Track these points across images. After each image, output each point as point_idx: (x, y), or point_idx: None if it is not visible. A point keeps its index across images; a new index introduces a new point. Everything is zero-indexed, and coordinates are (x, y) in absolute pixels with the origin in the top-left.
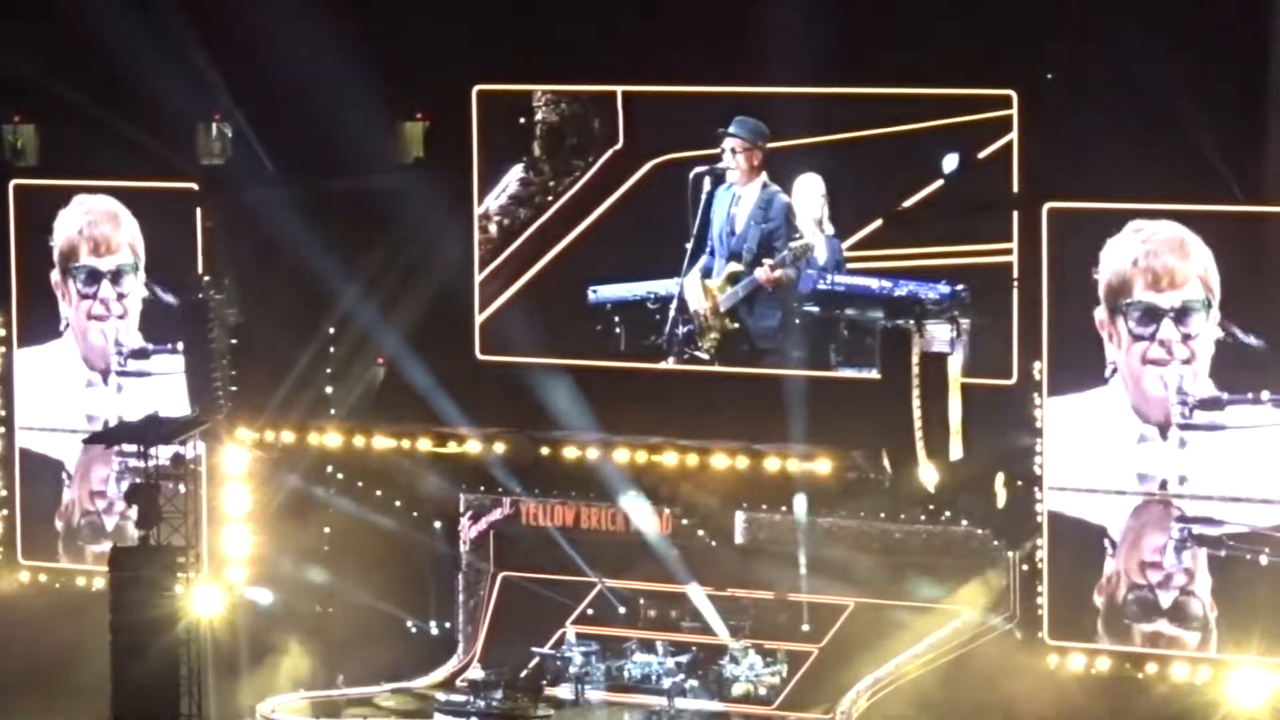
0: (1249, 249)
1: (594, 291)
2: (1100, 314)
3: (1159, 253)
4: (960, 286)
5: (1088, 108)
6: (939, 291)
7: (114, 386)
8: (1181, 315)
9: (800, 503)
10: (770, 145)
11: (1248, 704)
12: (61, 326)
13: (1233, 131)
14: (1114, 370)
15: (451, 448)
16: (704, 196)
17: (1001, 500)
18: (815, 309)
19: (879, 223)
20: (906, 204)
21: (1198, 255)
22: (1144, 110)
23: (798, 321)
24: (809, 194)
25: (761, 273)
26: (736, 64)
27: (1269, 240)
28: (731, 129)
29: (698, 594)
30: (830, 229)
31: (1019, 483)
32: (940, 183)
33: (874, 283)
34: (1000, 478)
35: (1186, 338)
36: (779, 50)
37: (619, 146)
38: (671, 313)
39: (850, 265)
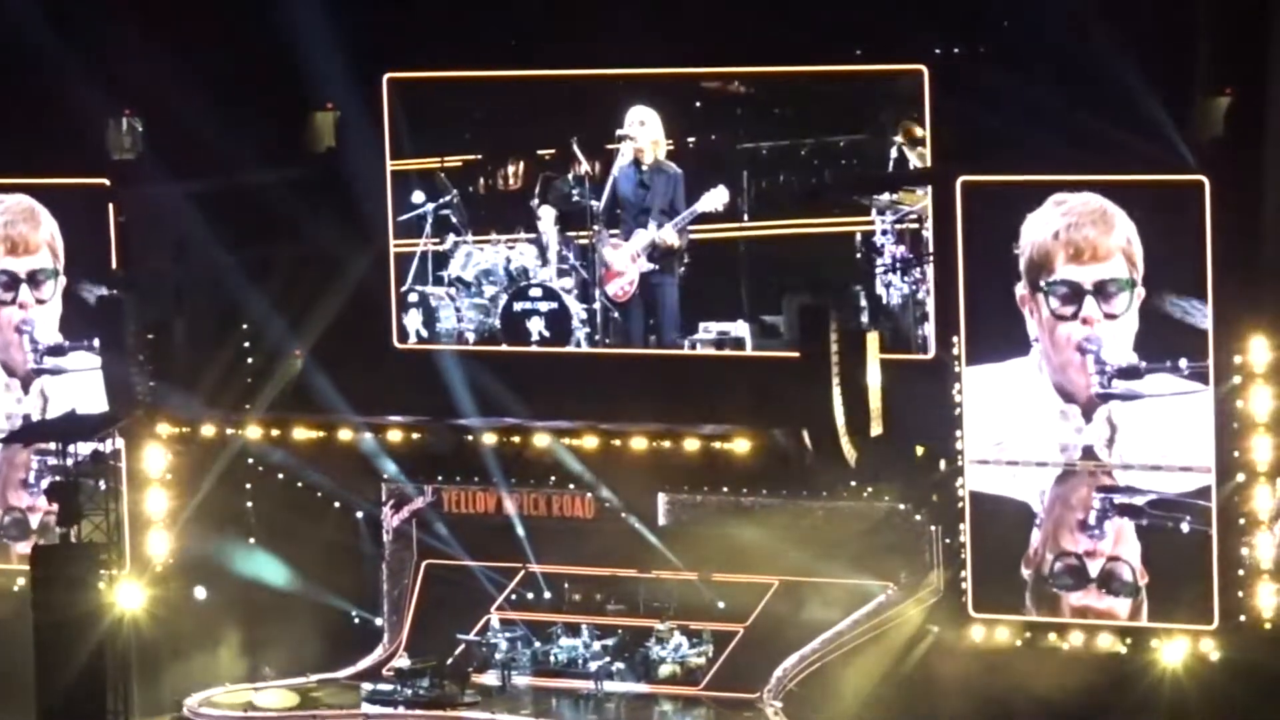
0: (1171, 219)
1: None
2: (1021, 289)
3: (1080, 225)
4: None
5: (1006, 81)
6: None
7: (37, 390)
8: (1104, 293)
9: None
10: None
11: (1173, 667)
12: None
13: (1154, 102)
14: (1035, 344)
15: (371, 438)
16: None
17: (919, 463)
18: None
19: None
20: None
21: (1120, 228)
22: (1063, 83)
23: None
24: None
25: None
26: (649, 45)
27: (1189, 210)
28: None
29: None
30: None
31: (942, 460)
32: None
33: None
34: (919, 450)
35: (1110, 316)
36: (694, 31)
37: None
38: None
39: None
